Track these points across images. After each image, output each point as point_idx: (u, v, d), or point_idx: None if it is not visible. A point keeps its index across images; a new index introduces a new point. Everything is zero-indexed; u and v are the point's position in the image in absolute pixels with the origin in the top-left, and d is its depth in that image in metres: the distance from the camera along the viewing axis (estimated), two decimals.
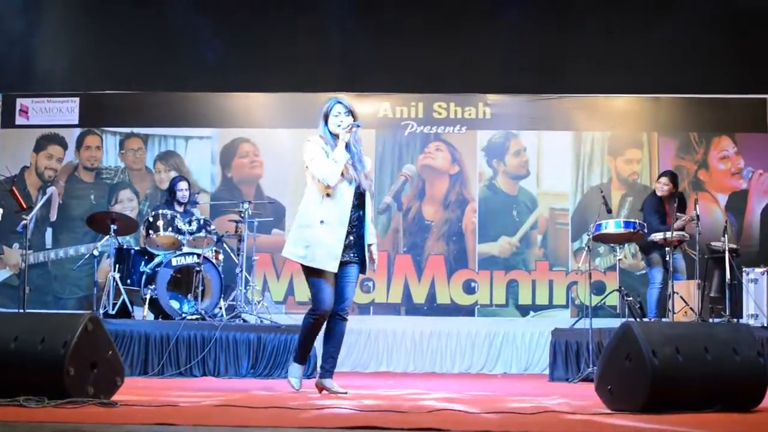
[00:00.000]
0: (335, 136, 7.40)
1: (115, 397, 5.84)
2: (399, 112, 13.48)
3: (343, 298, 7.44)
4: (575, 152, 13.46)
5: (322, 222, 7.26)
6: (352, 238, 7.39)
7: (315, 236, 7.27)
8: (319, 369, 7.82)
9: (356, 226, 7.41)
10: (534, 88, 13.46)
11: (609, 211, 10.66)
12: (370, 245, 7.49)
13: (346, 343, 12.53)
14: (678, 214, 10.89)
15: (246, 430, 4.49)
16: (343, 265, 7.36)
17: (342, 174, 7.29)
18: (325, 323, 7.45)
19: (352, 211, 7.34)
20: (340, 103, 7.54)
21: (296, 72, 13.23)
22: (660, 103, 13.59)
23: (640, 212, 11.71)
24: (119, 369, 6.09)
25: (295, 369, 7.61)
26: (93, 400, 5.55)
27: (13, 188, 9.94)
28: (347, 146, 7.40)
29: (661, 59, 12.87)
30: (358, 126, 7.46)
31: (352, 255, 7.41)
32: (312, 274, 7.34)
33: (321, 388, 7.42)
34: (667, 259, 10.61)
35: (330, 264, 7.25)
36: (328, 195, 7.30)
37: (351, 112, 7.51)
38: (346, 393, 7.31)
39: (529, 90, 13.50)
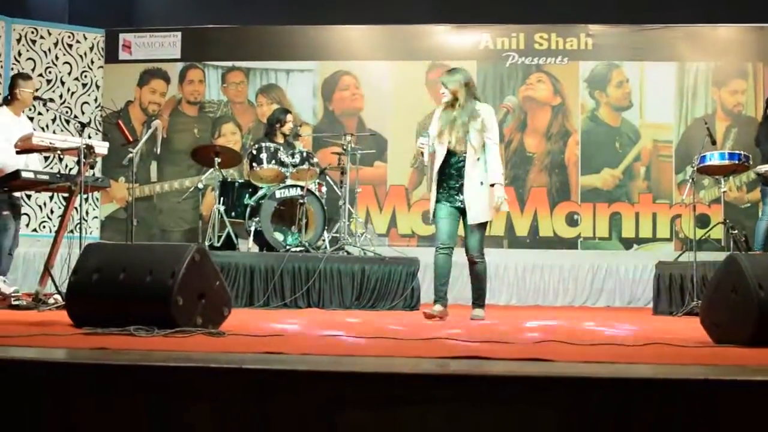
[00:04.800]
0: None
1: (222, 327, 5.94)
2: (500, 43, 13.37)
3: (467, 242, 8.30)
4: (679, 83, 13.24)
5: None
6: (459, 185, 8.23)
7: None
8: None
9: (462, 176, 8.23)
10: (636, 18, 13.26)
11: (713, 142, 10.45)
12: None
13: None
14: None
15: (353, 359, 4.53)
16: (461, 211, 8.21)
17: (439, 137, 8.14)
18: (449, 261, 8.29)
19: (453, 167, 8.21)
20: (441, 80, 8.27)
21: (395, 4, 13.21)
22: (766, 33, 13.28)
23: (756, 147, 11.35)
24: (226, 299, 6.17)
25: (437, 307, 8.16)
26: (201, 329, 5.65)
27: (119, 122, 10.02)
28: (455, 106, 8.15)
29: None
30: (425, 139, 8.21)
31: (461, 201, 8.19)
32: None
33: (430, 316, 7.99)
34: None
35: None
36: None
37: (445, 86, 8.18)
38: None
39: (631, 20, 13.29)
